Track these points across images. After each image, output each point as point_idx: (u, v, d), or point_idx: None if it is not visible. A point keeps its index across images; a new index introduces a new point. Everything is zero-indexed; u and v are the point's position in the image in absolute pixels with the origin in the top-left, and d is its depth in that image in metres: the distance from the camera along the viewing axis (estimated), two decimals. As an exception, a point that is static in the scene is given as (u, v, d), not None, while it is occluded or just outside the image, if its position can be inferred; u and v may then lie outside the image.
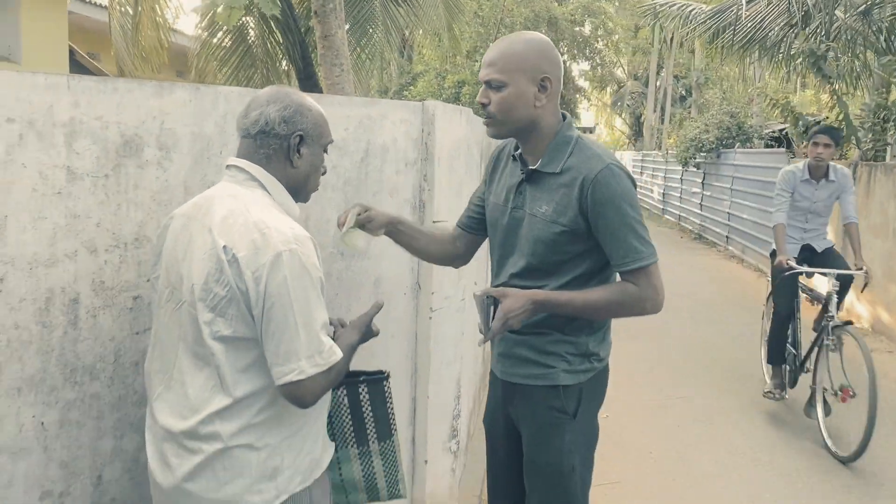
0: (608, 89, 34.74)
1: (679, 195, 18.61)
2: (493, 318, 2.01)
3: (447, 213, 2.88)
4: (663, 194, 20.99)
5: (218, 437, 1.68)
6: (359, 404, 2.00)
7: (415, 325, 2.91)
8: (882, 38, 7.98)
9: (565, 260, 2.10)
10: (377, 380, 2.02)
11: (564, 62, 10.28)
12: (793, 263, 4.83)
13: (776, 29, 9.19)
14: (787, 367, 5.32)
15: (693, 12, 9.90)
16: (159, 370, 1.82)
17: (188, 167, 2.35)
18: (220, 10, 3.74)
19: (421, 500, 2.99)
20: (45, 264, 2.14)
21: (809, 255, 5.30)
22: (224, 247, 1.67)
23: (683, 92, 29.44)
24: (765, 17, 9.22)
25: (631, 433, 4.87)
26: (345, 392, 2.00)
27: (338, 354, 1.74)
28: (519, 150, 2.22)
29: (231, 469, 1.69)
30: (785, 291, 5.22)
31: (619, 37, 20.56)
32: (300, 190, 1.93)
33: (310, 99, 1.95)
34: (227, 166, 1.92)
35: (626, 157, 30.43)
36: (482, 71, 2.13)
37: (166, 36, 9.64)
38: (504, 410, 2.33)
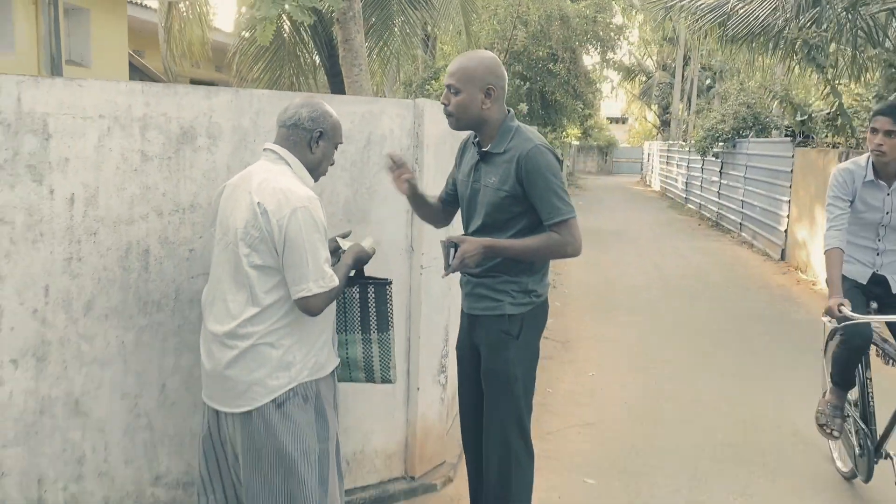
0: (636, 80, 35.06)
1: (700, 184, 19.04)
2: (453, 258, 2.70)
3: (434, 187, 3.56)
4: (686, 184, 21.40)
5: (249, 337, 2.41)
6: (366, 301, 2.73)
7: (409, 280, 3.62)
8: (873, 32, 8.39)
9: (509, 218, 2.79)
10: (382, 284, 2.77)
11: (577, 56, 10.87)
12: (847, 311, 3.33)
13: (773, 21, 9.64)
14: (856, 449, 3.78)
15: (699, 6, 10.39)
16: (211, 294, 2.55)
17: (230, 152, 3.08)
18: (257, 30, 4.44)
19: (413, 419, 3.70)
20: (126, 223, 2.90)
21: (883, 292, 3.74)
22: (258, 203, 2.39)
23: (710, 82, 29.70)
24: (755, 11, 9.65)
25: (611, 388, 5.52)
26: (357, 291, 2.73)
27: (335, 281, 2.45)
28: (476, 138, 2.92)
29: (257, 360, 2.42)
30: (843, 354, 3.70)
31: (638, 28, 20.87)
32: (313, 171, 2.65)
33: (331, 108, 2.67)
34: (264, 149, 2.64)
35: (654, 148, 30.81)
36: (446, 78, 2.84)
37: (207, 34, 10.46)
38: (469, 336, 3.02)
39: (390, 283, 2.79)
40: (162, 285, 2.99)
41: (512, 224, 2.80)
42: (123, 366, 2.96)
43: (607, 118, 51.95)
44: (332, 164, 2.74)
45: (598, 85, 14.86)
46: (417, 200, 3.09)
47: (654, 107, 35.21)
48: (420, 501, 3.67)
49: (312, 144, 2.59)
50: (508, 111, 2.90)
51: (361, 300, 2.77)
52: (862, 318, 3.40)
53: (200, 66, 13.32)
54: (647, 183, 31.95)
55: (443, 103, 2.87)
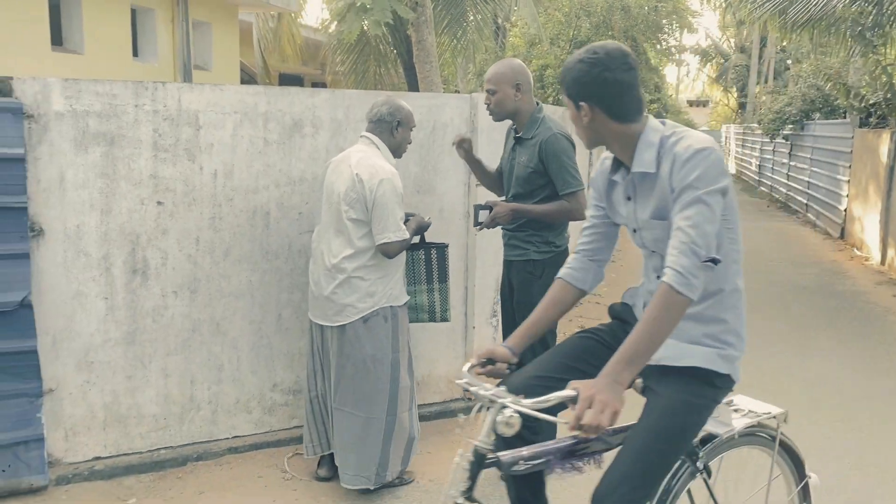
0: (714, 63, 34.77)
1: (771, 166, 19.19)
2: (479, 218, 3.58)
3: (486, 163, 4.43)
4: (759, 166, 21.50)
5: (346, 271, 3.35)
6: (430, 260, 3.65)
7: (466, 240, 4.50)
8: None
9: (535, 188, 3.62)
10: (442, 247, 3.71)
11: (638, 44, 11.47)
12: None
13: (833, 5, 9.94)
14: None
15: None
16: (319, 240, 3.49)
17: (328, 138, 4.03)
18: (344, 32, 5.44)
19: (470, 351, 4.60)
20: (253, 192, 3.88)
21: None
22: (357, 174, 3.32)
23: (789, 64, 29.30)
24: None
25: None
26: (422, 252, 3.64)
27: (406, 234, 3.37)
28: (514, 126, 3.76)
29: (351, 288, 3.36)
30: None
31: (717, 11, 21.01)
32: (395, 151, 3.58)
33: (404, 101, 3.57)
34: (360, 136, 3.57)
35: (731, 131, 30.64)
36: (485, 85, 3.70)
37: (297, 34, 11.58)
38: (507, 278, 3.88)
39: (447, 246, 3.69)
40: (279, 239, 3.97)
41: (537, 193, 3.64)
42: (251, 299, 3.95)
43: (687, 101, 51.32)
44: (410, 143, 3.66)
45: (662, 71, 15.28)
46: (476, 166, 3.93)
47: (732, 89, 34.87)
48: (477, 417, 4.56)
49: (394, 131, 3.52)
50: (537, 103, 3.72)
51: (426, 260, 3.69)
52: None
53: (288, 62, 14.53)
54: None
55: (485, 103, 3.73)
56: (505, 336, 3.99)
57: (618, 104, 2.17)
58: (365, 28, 5.87)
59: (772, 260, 10.22)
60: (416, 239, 3.65)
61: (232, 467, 3.83)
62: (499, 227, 3.74)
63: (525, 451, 2.17)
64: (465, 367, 2.32)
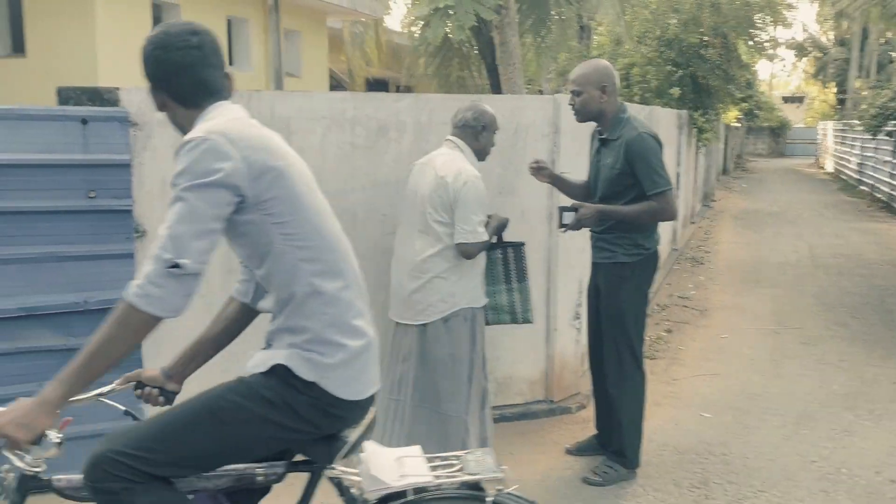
0: (811, 57, 33.36)
1: (872, 164, 18.27)
2: (563, 220, 3.57)
3: (571, 165, 4.42)
4: (859, 165, 20.50)
5: (428, 271, 3.42)
6: (507, 259, 3.68)
7: (548, 241, 4.51)
8: None
9: (621, 190, 3.60)
10: (518, 246, 3.73)
11: (728, 41, 11.13)
12: None
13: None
14: None
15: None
16: (402, 240, 3.57)
17: (411, 141, 4.11)
18: (428, 37, 5.55)
19: (552, 354, 4.60)
20: (341, 194, 3.99)
21: None
22: (441, 176, 3.39)
23: (894, 56, 27.80)
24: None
25: (739, 347, 6.11)
26: (500, 252, 3.68)
27: (485, 236, 3.42)
28: (599, 127, 3.74)
29: (433, 288, 3.42)
30: None
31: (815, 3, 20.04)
32: (480, 154, 3.63)
33: (488, 106, 3.62)
34: (446, 140, 3.63)
35: (829, 128, 29.32)
36: (570, 85, 3.70)
37: (383, 37, 11.80)
38: (594, 280, 3.87)
39: (524, 244, 3.71)
40: (365, 241, 4.07)
41: (624, 194, 3.61)
42: (337, 298, 4.07)
43: (782, 98, 49.44)
44: (494, 146, 3.70)
45: (754, 68, 14.79)
46: (562, 184, 3.94)
47: (831, 84, 33.36)
48: (558, 420, 4.56)
49: (479, 135, 3.58)
50: (621, 104, 3.70)
51: (503, 260, 3.71)
52: None
53: (374, 67, 14.85)
54: (821, 165, 30.49)
55: (570, 104, 3.73)
56: (590, 339, 3.98)
57: (177, 86, 1.94)
58: (448, 34, 5.96)
59: (870, 262, 9.74)
60: (494, 239, 3.68)
61: (319, 461, 3.95)
62: (585, 229, 3.74)
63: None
64: (106, 389, 2.15)
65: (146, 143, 3.61)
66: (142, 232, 3.64)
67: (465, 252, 3.41)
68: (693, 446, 4.22)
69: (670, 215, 3.58)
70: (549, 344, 4.61)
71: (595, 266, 3.85)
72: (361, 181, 4.03)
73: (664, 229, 9.45)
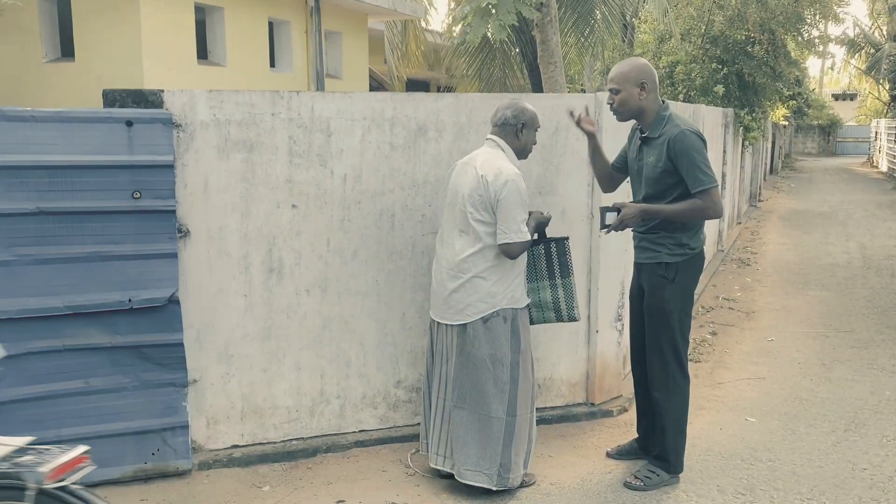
0: (863, 53, 32.43)
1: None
2: (606, 220, 3.51)
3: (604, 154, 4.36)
4: (914, 163, 19.86)
5: (468, 271, 3.40)
6: (550, 254, 3.64)
7: (589, 241, 4.45)
8: None
9: (665, 188, 3.53)
10: (561, 240, 3.68)
11: (776, 37, 10.85)
12: None
13: None
14: None
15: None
16: (442, 240, 3.56)
17: (451, 141, 4.10)
18: (468, 36, 5.53)
19: (593, 356, 4.53)
20: (379, 194, 4.01)
21: None
22: (482, 175, 3.37)
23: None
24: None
25: (787, 350, 5.95)
26: (542, 247, 3.64)
27: (528, 236, 3.38)
28: (639, 126, 3.68)
29: (473, 288, 3.40)
30: None
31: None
32: (520, 153, 3.60)
33: (528, 104, 3.59)
34: (486, 139, 3.61)
35: (881, 126, 28.46)
36: (608, 84, 3.64)
37: (423, 37, 11.80)
38: (637, 281, 3.80)
39: (567, 238, 3.66)
40: (403, 240, 4.08)
41: (668, 193, 3.53)
42: (377, 298, 4.08)
43: (832, 95, 48.20)
44: (535, 144, 3.66)
45: (803, 65, 14.42)
46: (596, 152, 3.87)
47: (884, 81, 32.35)
48: (598, 423, 4.50)
49: (519, 133, 3.54)
50: (663, 101, 3.62)
51: (546, 255, 3.67)
52: None
53: (415, 67, 14.87)
54: (874, 164, 29.63)
55: (608, 103, 3.68)
56: (632, 341, 3.91)
57: None
58: (489, 35, 5.93)
59: (928, 264, 9.43)
60: (535, 236, 3.63)
61: (358, 460, 3.97)
62: (627, 230, 3.69)
63: None
64: None
65: (189, 144, 3.66)
66: (185, 232, 3.69)
67: (508, 252, 3.38)
68: (738, 451, 4.12)
69: (716, 213, 3.50)
70: (590, 345, 4.55)
71: (638, 266, 3.79)
72: (400, 181, 4.03)
73: (709, 229, 9.28)
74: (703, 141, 3.50)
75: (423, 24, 10.17)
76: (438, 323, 3.56)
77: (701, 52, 11.22)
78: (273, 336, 3.92)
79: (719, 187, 3.48)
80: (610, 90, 3.65)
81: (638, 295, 3.81)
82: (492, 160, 3.45)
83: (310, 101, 3.82)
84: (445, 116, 4.08)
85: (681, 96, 10.89)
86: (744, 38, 11.02)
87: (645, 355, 3.80)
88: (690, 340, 6.15)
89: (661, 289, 3.62)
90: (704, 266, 3.77)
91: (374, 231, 4.02)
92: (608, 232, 3.59)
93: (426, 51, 13.00)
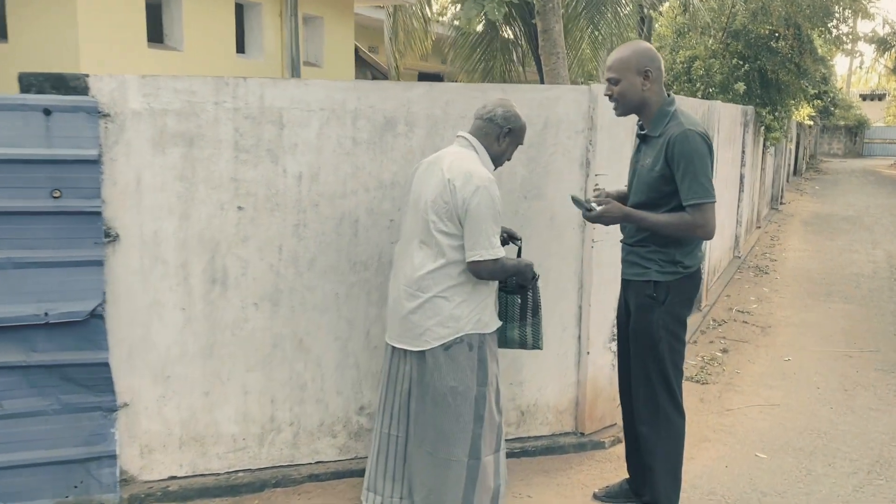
0: (890, 52, 31.43)
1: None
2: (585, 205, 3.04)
3: (607, 167, 3.86)
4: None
5: (428, 289, 2.91)
6: (525, 302, 3.14)
7: (581, 252, 3.95)
8: None
9: (661, 196, 3.02)
10: (535, 279, 3.14)
11: (802, 32, 10.23)
12: None
13: None
14: None
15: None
16: (401, 252, 3.08)
17: (423, 137, 3.62)
18: (460, 21, 5.05)
19: (584, 380, 4.04)
20: (340, 196, 3.53)
21: None
22: (449, 179, 2.88)
23: None
24: None
25: (805, 373, 5.41)
26: (518, 297, 3.15)
27: (501, 252, 2.90)
28: (640, 122, 3.18)
29: (433, 310, 2.91)
30: None
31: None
32: (496, 160, 3.11)
33: (520, 111, 3.09)
34: (457, 136, 3.12)
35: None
36: (605, 72, 3.14)
37: (429, 29, 11.28)
38: (624, 299, 3.31)
39: (537, 277, 3.15)
40: (368, 249, 3.61)
41: (664, 202, 3.04)
42: (337, 313, 3.62)
43: (860, 95, 47.11)
44: (510, 160, 3.17)
45: (830, 62, 13.74)
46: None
47: (915, 80, 31.36)
48: (588, 455, 4.00)
49: (501, 138, 3.05)
50: (668, 95, 3.12)
51: (522, 303, 3.18)
52: None
53: (427, 60, 14.34)
54: (902, 166, 28.74)
55: (606, 95, 3.18)
56: (620, 366, 3.43)
57: None
58: (481, 16, 5.43)
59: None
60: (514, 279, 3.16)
61: (311, 497, 3.51)
62: (619, 242, 3.20)
63: None
64: None
65: (119, 136, 3.21)
66: (113, 236, 3.25)
67: (477, 271, 2.90)
68: (744, 495, 3.62)
69: (705, 234, 3.00)
70: (580, 368, 4.05)
71: (625, 283, 3.29)
72: (364, 182, 3.56)
73: (724, 234, 8.74)
74: (709, 146, 3.00)
75: (428, 12, 9.62)
76: (394, 347, 3.08)
77: (721, 46, 10.62)
78: (216, 355, 3.47)
79: (716, 204, 2.98)
80: (608, 79, 3.16)
81: (624, 316, 3.32)
82: (461, 161, 2.96)
83: (259, 89, 3.36)
84: (417, 108, 3.60)
85: (699, 94, 10.31)
86: (767, 32, 10.42)
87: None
88: (699, 359, 5.66)
89: (648, 310, 3.13)
90: (702, 287, 3.27)
91: (334, 238, 3.56)
92: (587, 214, 3.09)
93: (435, 42, 12.48)
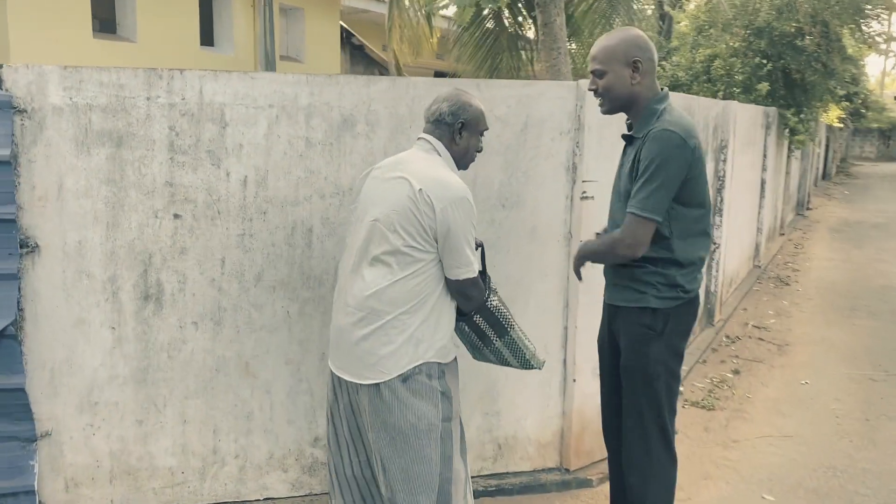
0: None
1: None
2: None
3: (596, 172, 3.44)
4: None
5: (381, 312, 2.49)
6: (474, 322, 2.70)
7: (567, 268, 3.53)
8: None
9: None
10: (480, 307, 2.66)
11: (829, 30, 9.67)
12: None
13: None
14: None
15: None
16: (348, 268, 2.68)
17: (386, 138, 3.23)
18: (455, 14, 4.64)
19: (569, 410, 3.62)
20: (292, 203, 3.16)
21: None
22: (420, 190, 2.47)
23: None
24: None
25: (823, 399, 4.94)
26: (465, 323, 2.72)
27: (478, 267, 2.55)
28: (628, 121, 2.75)
29: (388, 335, 2.49)
30: None
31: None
32: (460, 161, 2.70)
33: (474, 98, 2.68)
34: (418, 138, 2.72)
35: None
36: (589, 64, 2.72)
37: (430, 24, 10.75)
38: (609, 329, 2.89)
39: (488, 297, 2.67)
40: (323, 262, 3.23)
41: None
42: (288, 334, 3.24)
43: (894, 97, 45.90)
44: (480, 151, 2.76)
45: (861, 62, 13.12)
46: None
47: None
48: (573, 495, 3.59)
49: (457, 136, 2.64)
50: (661, 91, 2.69)
51: (470, 327, 2.72)
52: None
53: (444, 59, 13.87)
54: (937, 171, 27.82)
55: (590, 89, 2.76)
56: (604, 402, 3.01)
57: None
58: (485, 8, 5.02)
59: None
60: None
61: (255, 539, 3.14)
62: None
63: None
64: None
65: (37, 135, 2.86)
66: (32, 246, 2.90)
67: (464, 289, 2.54)
68: (747, 548, 3.19)
69: (627, 248, 2.58)
70: (565, 397, 3.64)
71: (612, 310, 2.86)
72: (319, 187, 3.18)
73: (744, 242, 8.23)
74: (692, 148, 2.55)
75: (423, 6, 9.14)
76: (340, 378, 2.69)
77: (744, 44, 10.09)
78: (150, 380, 3.11)
79: (654, 224, 2.54)
80: (592, 72, 2.74)
81: (610, 347, 2.90)
82: (430, 169, 2.55)
83: (198, 83, 2.99)
84: (380, 106, 3.21)
85: (719, 94, 9.80)
86: (793, 29, 9.87)
87: (620, 418, 2.89)
88: (708, 380, 5.21)
89: (644, 343, 2.70)
90: (699, 313, 2.83)
91: (285, 249, 3.18)
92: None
93: (445, 39, 12.03)
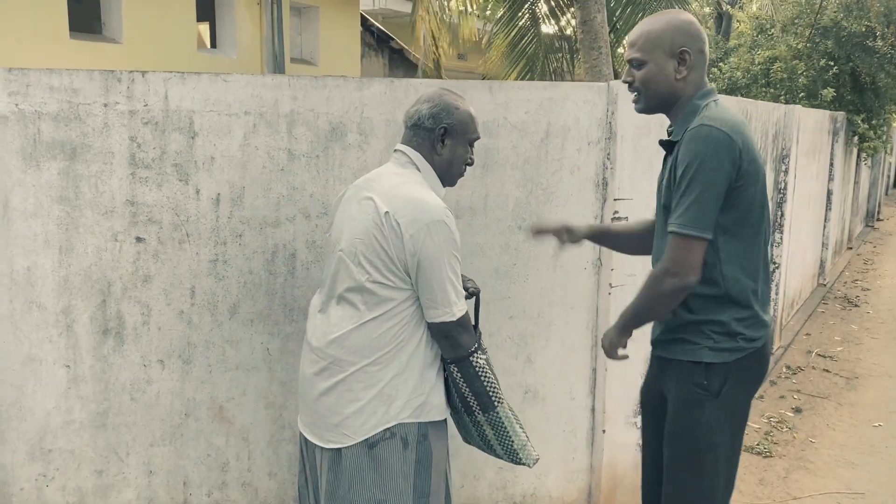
0: None
1: None
2: None
3: (631, 190, 2.94)
4: None
5: (344, 362, 2.06)
6: (455, 382, 2.21)
7: (596, 299, 3.04)
8: None
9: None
10: (461, 358, 2.15)
11: (870, 22, 8.87)
12: None
13: None
14: None
15: None
16: (317, 307, 2.25)
17: (382, 149, 2.79)
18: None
19: (598, 465, 3.12)
20: (272, 225, 2.75)
21: None
22: (386, 213, 2.03)
23: None
24: None
25: (903, 447, 4.31)
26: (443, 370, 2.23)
27: (465, 307, 2.06)
28: (670, 127, 2.25)
29: (353, 390, 2.06)
30: None
31: None
32: (444, 175, 2.23)
33: (461, 101, 2.22)
34: (395, 150, 2.28)
35: None
36: (626, 52, 2.22)
37: (461, 22, 10.21)
38: (657, 384, 2.36)
39: (470, 353, 2.15)
40: (308, 292, 2.80)
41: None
42: (268, 373, 2.83)
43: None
44: (471, 164, 2.29)
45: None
46: (602, 238, 2.57)
47: None
48: (602, 563, 3.08)
49: (438, 144, 2.17)
50: (707, 87, 2.17)
51: (451, 382, 2.18)
52: None
53: (489, 61, 13.39)
54: None
55: (625, 81, 2.25)
56: (645, 469, 2.48)
57: None
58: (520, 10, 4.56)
59: None
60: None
61: None
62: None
63: None
64: None
65: (-21, 146, 2.51)
66: (-26, 273, 2.55)
67: (449, 332, 2.08)
68: None
69: (677, 282, 2.03)
70: (594, 450, 3.13)
71: (660, 362, 2.34)
72: (304, 206, 2.75)
73: (807, 259, 7.55)
74: (737, 146, 2.01)
75: (470, 6, 8.66)
76: (307, 438, 2.25)
77: (808, 46, 9.37)
78: (111, 425, 2.72)
79: (703, 243, 2.00)
80: (629, 61, 2.21)
81: (656, 403, 2.37)
82: (402, 187, 2.10)
83: (162, 87, 2.60)
84: (374, 112, 2.77)
85: (781, 99, 9.11)
86: (863, 29, 9.13)
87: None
88: (764, 421, 4.61)
89: (695, 406, 2.16)
90: (769, 368, 2.28)
91: (265, 277, 2.76)
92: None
93: (472, 37, 11.44)
